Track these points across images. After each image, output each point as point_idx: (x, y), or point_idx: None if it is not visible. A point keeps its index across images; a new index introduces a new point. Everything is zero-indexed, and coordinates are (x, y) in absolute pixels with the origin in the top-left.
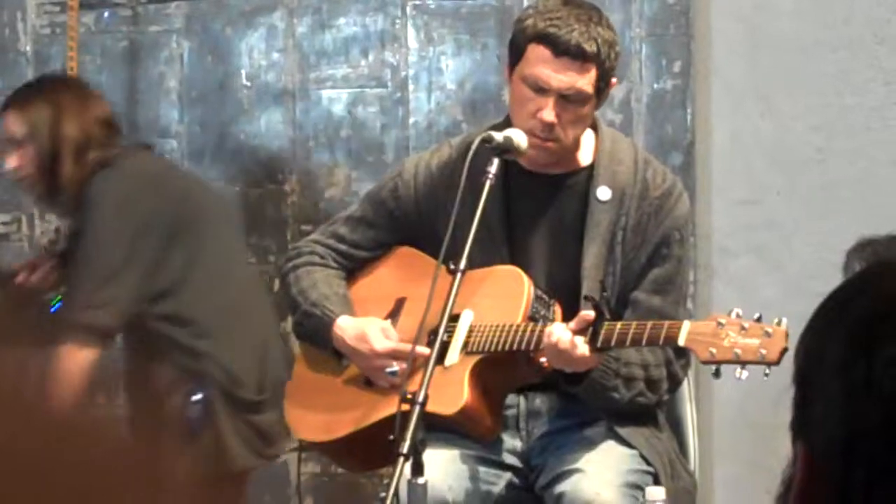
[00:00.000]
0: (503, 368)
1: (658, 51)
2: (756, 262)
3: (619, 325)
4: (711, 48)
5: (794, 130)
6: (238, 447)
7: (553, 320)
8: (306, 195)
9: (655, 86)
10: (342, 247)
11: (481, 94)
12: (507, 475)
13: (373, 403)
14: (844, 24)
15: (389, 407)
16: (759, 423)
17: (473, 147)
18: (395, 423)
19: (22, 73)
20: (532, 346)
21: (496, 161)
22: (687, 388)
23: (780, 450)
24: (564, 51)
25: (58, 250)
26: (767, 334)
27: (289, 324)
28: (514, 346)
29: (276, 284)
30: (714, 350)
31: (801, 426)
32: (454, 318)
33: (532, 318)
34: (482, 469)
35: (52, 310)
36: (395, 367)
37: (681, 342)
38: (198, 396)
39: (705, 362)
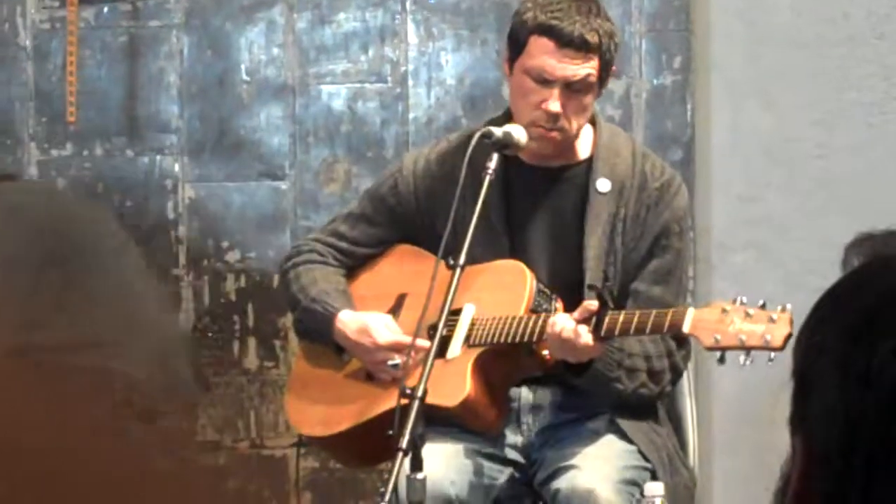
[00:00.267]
0: (505, 361)
1: (658, 46)
2: (755, 258)
3: (622, 313)
4: (711, 44)
5: (794, 126)
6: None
7: (555, 314)
8: (306, 190)
9: (655, 81)
10: (342, 244)
11: (481, 90)
12: (509, 470)
13: (373, 397)
14: (844, 19)
15: (390, 401)
16: (758, 418)
17: (472, 142)
18: (393, 418)
19: (21, 68)
20: (535, 337)
21: (496, 156)
22: (686, 383)
23: (780, 444)
24: (568, 42)
25: None
26: (772, 320)
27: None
28: (517, 338)
29: (276, 281)
30: (719, 336)
31: (800, 420)
32: (456, 313)
33: (534, 311)
34: (484, 464)
35: None
36: (398, 359)
37: (685, 329)
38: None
39: (710, 348)
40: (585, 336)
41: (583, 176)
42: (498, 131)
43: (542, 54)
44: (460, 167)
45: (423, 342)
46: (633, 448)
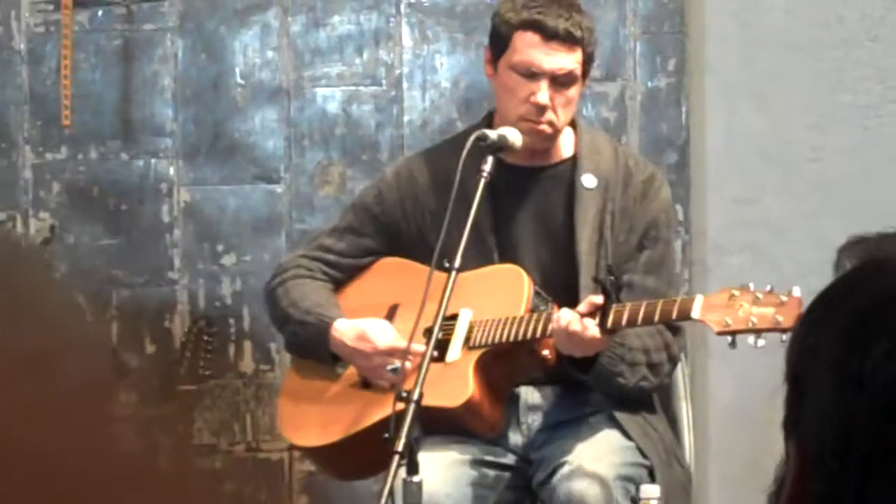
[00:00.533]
0: (507, 362)
1: (652, 49)
2: (751, 260)
3: (628, 304)
4: (706, 46)
5: (789, 128)
6: None
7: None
8: (301, 193)
9: (650, 84)
10: (329, 257)
11: (476, 93)
12: (506, 476)
13: (370, 405)
14: (839, 21)
15: (387, 407)
16: (754, 420)
17: (468, 145)
18: (390, 424)
19: (16, 72)
20: (539, 334)
21: (490, 159)
22: (682, 386)
23: (776, 447)
24: (553, 35)
25: None
26: (781, 302)
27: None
28: (521, 336)
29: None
30: (730, 320)
31: (794, 423)
32: (451, 318)
33: (533, 311)
34: (480, 472)
35: None
36: (397, 364)
37: (695, 315)
38: None
39: (721, 333)
40: (593, 329)
41: (567, 173)
42: (493, 134)
43: (528, 48)
44: (445, 172)
45: (419, 346)
46: (631, 444)
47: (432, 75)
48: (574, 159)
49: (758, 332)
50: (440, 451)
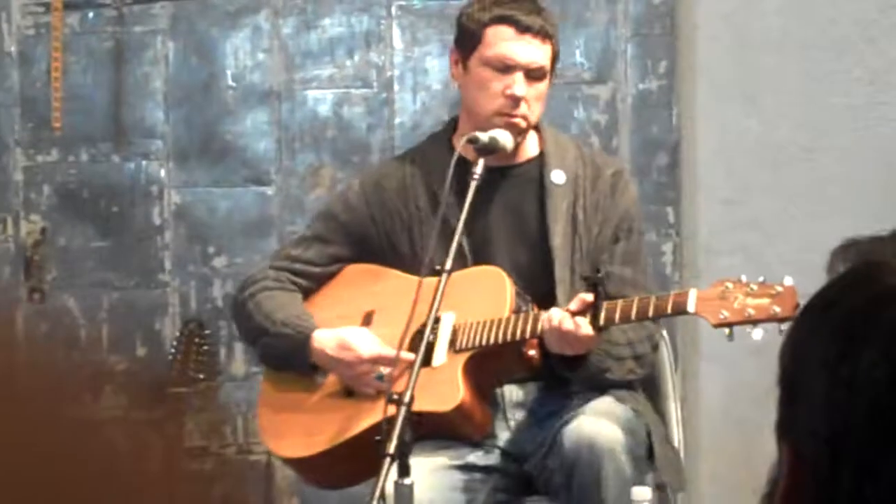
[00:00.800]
0: (493, 363)
1: (643, 51)
2: (742, 262)
3: (620, 301)
4: (697, 48)
5: (780, 130)
6: None
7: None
8: (292, 196)
9: (641, 86)
10: (297, 266)
11: None
12: (494, 478)
13: (356, 413)
14: (831, 23)
15: (373, 415)
16: (745, 420)
17: (459, 148)
18: (380, 430)
19: (6, 74)
20: (527, 335)
21: (482, 162)
22: (671, 385)
23: (767, 447)
24: (526, 28)
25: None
26: (776, 292)
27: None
28: (508, 337)
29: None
30: (726, 312)
31: (787, 426)
32: (435, 322)
33: (516, 312)
34: (467, 475)
35: None
36: (383, 371)
37: (690, 309)
38: None
39: (718, 325)
40: (586, 327)
41: (535, 171)
42: (484, 136)
43: (502, 41)
44: (411, 178)
45: (407, 354)
46: (627, 406)
47: (423, 77)
48: (541, 157)
49: (755, 322)
50: (427, 456)
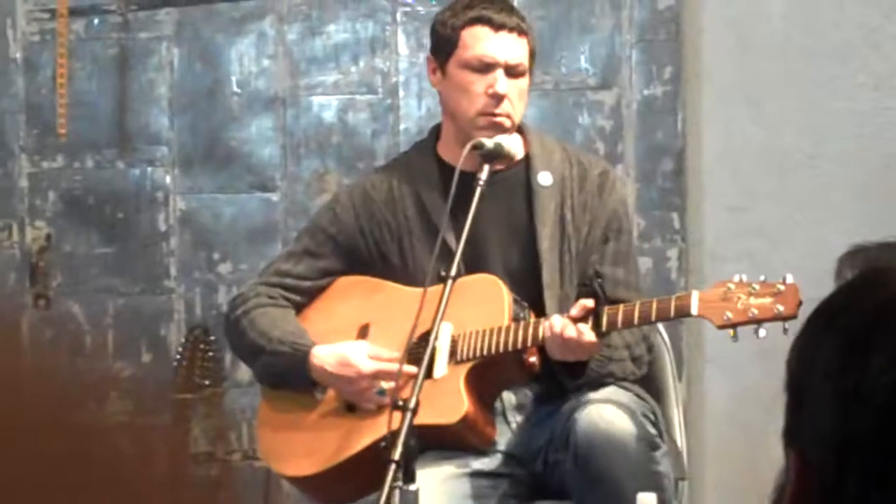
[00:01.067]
0: (495, 372)
1: (648, 57)
2: (747, 268)
3: (621, 306)
4: (701, 54)
5: (785, 135)
6: None
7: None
8: (297, 202)
9: (645, 92)
10: (288, 281)
11: None
12: (502, 485)
13: (358, 429)
14: (835, 28)
15: (375, 430)
16: (750, 425)
17: (464, 154)
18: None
19: (12, 81)
20: (528, 343)
21: (486, 168)
22: (674, 391)
23: (772, 451)
24: (501, 25)
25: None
26: (779, 291)
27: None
28: (510, 346)
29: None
30: (730, 314)
31: (794, 434)
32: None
33: (514, 319)
34: (475, 484)
35: None
36: (384, 386)
37: (693, 312)
38: None
39: (722, 327)
40: (588, 334)
41: (521, 174)
42: (489, 142)
43: (480, 41)
44: (399, 189)
45: (409, 368)
46: (630, 394)
47: (428, 83)
48: (527, 160)
49: (759, 322)
50: (434, 466)
